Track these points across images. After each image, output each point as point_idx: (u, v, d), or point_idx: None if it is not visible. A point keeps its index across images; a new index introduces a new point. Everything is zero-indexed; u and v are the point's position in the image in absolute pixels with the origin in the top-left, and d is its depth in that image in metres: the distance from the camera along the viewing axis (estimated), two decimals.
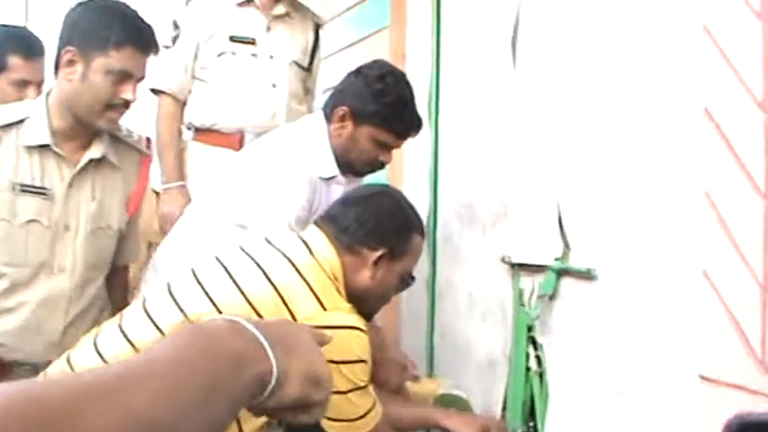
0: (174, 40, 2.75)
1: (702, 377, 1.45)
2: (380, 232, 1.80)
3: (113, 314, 2.06)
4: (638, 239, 1.68)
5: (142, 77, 2.03)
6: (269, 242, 1.80)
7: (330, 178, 2.26)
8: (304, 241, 1.78)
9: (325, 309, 1.65)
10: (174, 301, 1.69)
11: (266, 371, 0.77)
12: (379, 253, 1.79)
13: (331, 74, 3.21)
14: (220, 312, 1.62)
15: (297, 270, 1.69)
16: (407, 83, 2.25)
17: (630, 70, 1.72)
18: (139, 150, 2.22)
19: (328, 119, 2.26)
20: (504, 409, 2.23)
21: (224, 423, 0.72)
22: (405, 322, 2.82)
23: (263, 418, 1.54)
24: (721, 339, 1.40)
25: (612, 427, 1.76)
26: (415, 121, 2.26)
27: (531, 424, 2.12)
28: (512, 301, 2.21)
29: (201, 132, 2.77)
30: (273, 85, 2.78)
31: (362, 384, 1.69)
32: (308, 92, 2.95)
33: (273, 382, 0.78)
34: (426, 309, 2.67)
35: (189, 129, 2.78)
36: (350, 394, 1.67)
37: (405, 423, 2.04)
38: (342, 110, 2.21)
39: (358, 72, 2.25)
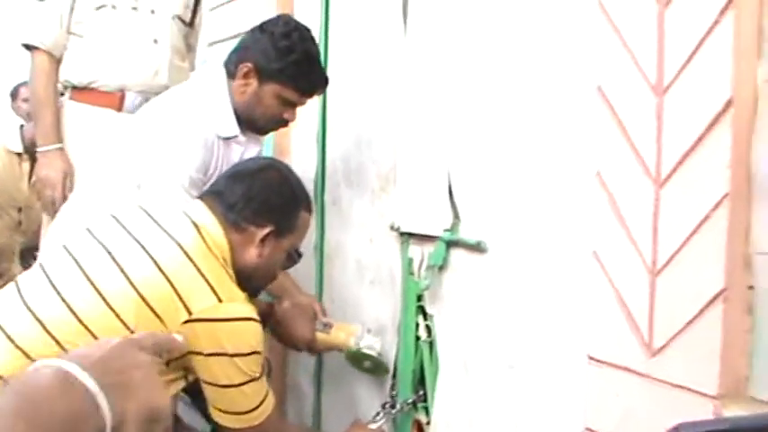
0: None
1: (591, 357, 1.45)
2: (268, 209, 1.76)
3: None
4: (530, 215, 1.67)
5: None
6: (153, 220, 1.71)
7: (230, 138, 2.19)
8: (192, 221, 1.71)
9: (220, 300, 1.60)
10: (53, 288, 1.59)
11: (100, 425, 0.74)
12: (266, 230, 1.75)
13: (216, 27, 3.08)
14: (107, 303, 1.54)
15: (187, 256, 1.62)
16: (313, 40, 2.18)
17: (526, 45, 1.68)
18: None
19: (231, 75, 2.18)
20: (393, 376, 2.22)
21: None
22: None
23: None
24: (609, 321, 1.41)
25: (501, 401, 1.77)
26: (321, 79, 2.22)
27: (421, 392, 2.11)
28: (401, 270, 2.18)
29: (79, 91, 2.62)
30: (155, 41, 2.64)
31: (256, 375, 1.67)
32: (190, 48, 2.82)
33: None
34: (314, 274, 2.62)
35: (66, 87, 2.63)
36: (244, 386, 1.64)
37: None
38: (246, 66, 2.14)
39: (262, 28, 2.17)
